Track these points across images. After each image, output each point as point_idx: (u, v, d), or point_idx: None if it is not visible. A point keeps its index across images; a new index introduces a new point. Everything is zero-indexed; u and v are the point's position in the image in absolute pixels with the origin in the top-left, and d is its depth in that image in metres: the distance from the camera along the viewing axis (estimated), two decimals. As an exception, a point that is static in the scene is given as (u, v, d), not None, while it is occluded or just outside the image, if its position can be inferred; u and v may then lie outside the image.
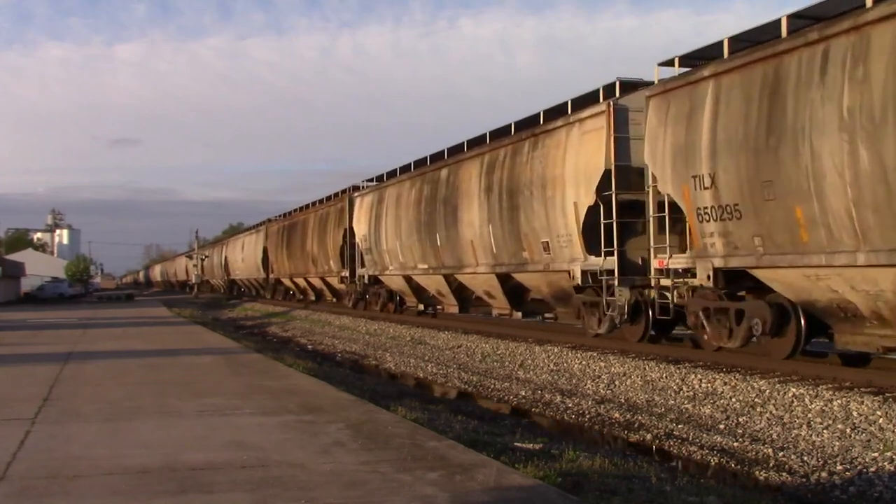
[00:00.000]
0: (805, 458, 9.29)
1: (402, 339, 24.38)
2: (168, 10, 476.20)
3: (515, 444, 8.64)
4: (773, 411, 11.08)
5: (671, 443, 10.66)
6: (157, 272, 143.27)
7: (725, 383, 12.54)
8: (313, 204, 43.28)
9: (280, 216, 51.93)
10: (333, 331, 30.29)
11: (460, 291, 24.47)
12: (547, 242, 18.01)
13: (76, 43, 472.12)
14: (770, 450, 9.75)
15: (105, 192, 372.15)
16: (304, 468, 6.59)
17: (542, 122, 19.28)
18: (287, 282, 49.19)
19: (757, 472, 9.06)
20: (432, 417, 10.03)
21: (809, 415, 10.63)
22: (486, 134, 22.67)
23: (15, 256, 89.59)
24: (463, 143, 24.13)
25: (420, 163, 27.60)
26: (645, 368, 14.39)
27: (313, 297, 44.43)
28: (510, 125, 21.10)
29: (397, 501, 5.61)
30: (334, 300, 40.74)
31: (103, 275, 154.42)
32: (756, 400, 11.62)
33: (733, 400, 11.91)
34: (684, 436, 10.87)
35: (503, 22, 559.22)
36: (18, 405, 10.32)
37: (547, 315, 21.68)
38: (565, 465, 7.30)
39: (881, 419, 9.84)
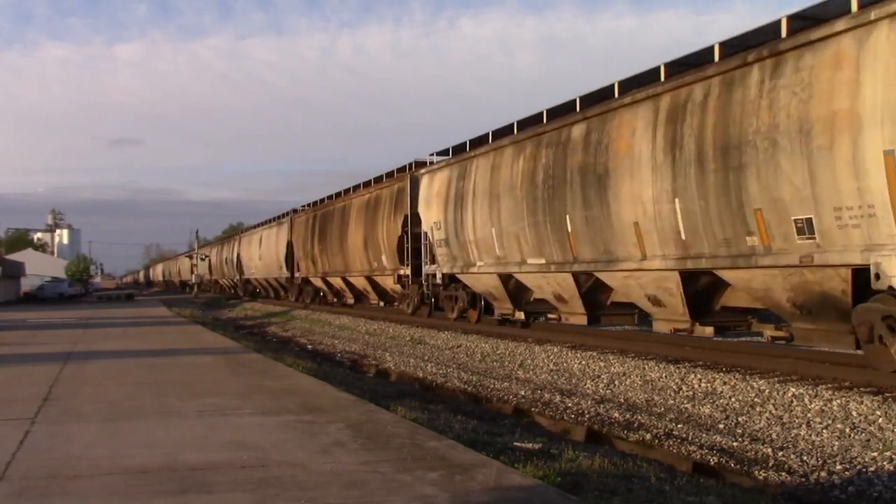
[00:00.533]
0: (804, 458, 9.29)
1: (402, 339, 24.38)
2: (168, 11, 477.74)
3: (515, 443, 8.64)
4: (773, 411, 11.09)
5: (671, 442, 10.66)
6: (158, 272, 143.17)
7: (725, 383, 12.55)
8: (356, 188, 35.48)
9: (308, 205, 44.10)
10: (333, 331, 30.29)
11: (593, 295, 17.97)
12: (809, 220, 11.75)
13: (76, 43, 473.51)
14: (769, 449, 9.75)
15: (105, 192, 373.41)
16: (304, 468, 6.59)
17: (785, 33, 12.45)
18: (317, 282, 41.52)
19: (756, 472, 9.07)
20: (432, 417, 10.04)
21: (809, 414, 10.63)
22: (658, 67, 15.25)
23: (15, 256, 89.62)
24: (612, 84, 16.66)
25: (531, 121, 19.93)
26: (644, 368, 14.39)
27: (351, 301, 37.66)
28: (711, 47, 14.04)
29: (397, 501, 5.62)
30: (381, 304, 34.01)
31: (103, 275, 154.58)
32: (755, 400, 11.62)
33: (733, 400, 11.91)
34: (684, 435, 10.87)
35: (503, 22, 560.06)
36: (18, 405, 10.32)
37: (775, 335, 13.57)
38: (565, 465, 7.31)
39: (881, 419, 9.85)
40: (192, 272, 77.94)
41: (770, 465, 9.29)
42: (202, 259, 77.68)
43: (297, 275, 44.90)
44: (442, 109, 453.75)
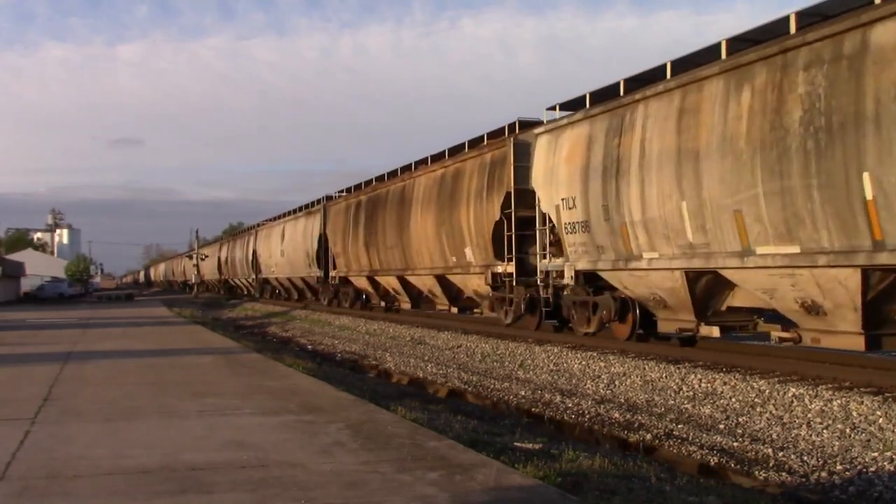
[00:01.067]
0: (805, 458, 9.29)
1: (402, 339, 24.37)
2: (169, 11, 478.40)
3: (515, 443, 8.64)
4: (773, 411, 11.09)
5: (671, 443, 10.66)
6: (160, 271, 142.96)
7: (725, 383, 12.54)
8: (421, 163, 28.22)
9: (348, 190, 37.32)
10: (333, 331, 30.28)
11: (883, 303, 11.60)
12: None
13: (77, 43, 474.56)
14: (770, 450, 9.76)
15: (105, 192, 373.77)
16: (304, 468, 6.59)
17: None
18: (361, 282, 34.46)
19: (757, 472, 9.07)
20: (432, 417, 10.03)
21: (809, 415, 10.63)
22: None
23: (15, 256, 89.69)
24: None
25: (755, 35, 13.38)
26: (644, 368, 14.38)
27: (407, 305, 30.23)
28: None
29: (397, 501, 5.61)
30: (453, 311, 26.73)
31: (103, 275, 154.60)
32: (756, 400, 11.62)
33: (733, 400, 11.91)
34: (684, 436, 10.87)
35: (503, 22, 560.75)
36: (18, 405, 10.32)
37: None
38: (565, 465, 7.30)
39: (881, 419, 9.85)
40: (198, 271, 77.39)
41: (770, 465, 9.29)
42: (202, 259, 77.57)
43: (332, 273, 37.43)
44: (442, 109, 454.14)
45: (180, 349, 18.76)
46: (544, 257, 18.99)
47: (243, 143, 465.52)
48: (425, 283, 27.01)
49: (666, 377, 13.64)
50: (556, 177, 17.87)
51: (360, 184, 35.50)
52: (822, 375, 12.28)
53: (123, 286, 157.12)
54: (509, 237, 20.54)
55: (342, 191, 38.64)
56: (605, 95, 16.96)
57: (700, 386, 12.80)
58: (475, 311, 25.94)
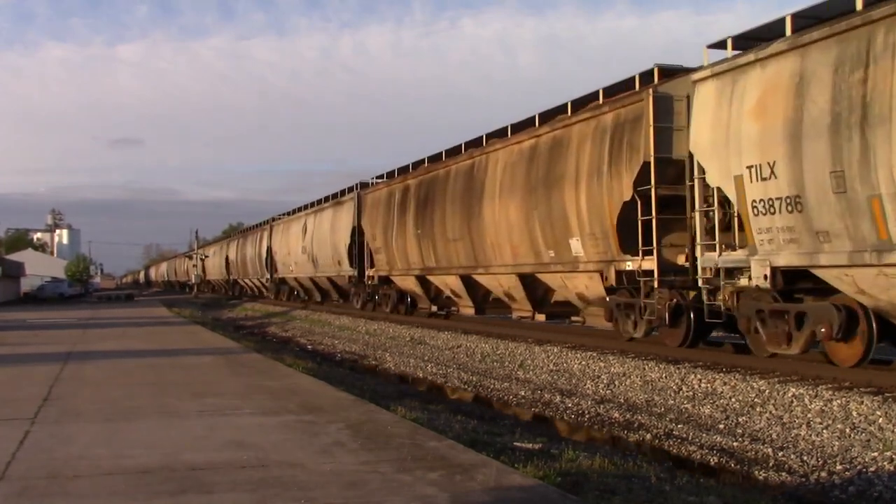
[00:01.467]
0: (805, 458, 9.29)
1: (402, 339, 24.36)
2: (169, 11, 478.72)
3: (515, 443, 8.64)
4: (773, 411, 11.09)
5: (671, 443, 10.67)
6: (162, 271, 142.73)
7: (725, 383, 12.54)
8: (497, 133, 22.56)
9: (390, 174, 31.25)
10: (333, 331, 30.28)
11: None
12: None
13: (77, 43, 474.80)
14: (770, 450, 9.76)
15: (106, 192, 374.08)
16: (304, 468, 6.59)
17: None
18: (406, 283, 28.48)
19: (757, 472, 9.07)
20: (432, 417, 10.04)
21: (809, 415, 10.63)
22: None
23: (15, 256, 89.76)
24: None
25: None
26: (644, 368, 14.38)
27: (470, 310, 24.72)
28: None
29: (397, 501, 5.61)
30: (539, 318, 21.23)
31: (103, 275, 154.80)
32: (756, 400, 11.62)
33: (733, 400, 11.91)
34: (684, 436, 10.87)
35: (504, 22, 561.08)
36: (18, 405, 10.32)
37: None
38: (565, 465, 7.31)
39: (881, 419, 9.85)
40: (198, 271, 77.13)
41: (770, 465, 9.29)
42: (203, 259, 77.51)
43: (369, 273, 32.09)
44: (442, 109, 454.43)
45: (180, 349, 18.76)
46: (710, 249, 14.11)
47: (243, 143, 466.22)
48: (502, 283, 21.41)
49: (666, 377, 13.64)
50: (735, 137, 13.05)
51: (408, 165, 29.58)
52: (822, 375, 12.28)
53: (123, 286, 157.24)
54: (646, 223, 15.29)
55: (380, 176, 32.90)
56: (818, 18, 12.09)
57: (700, 386, 12.81)
58: (573, 319, 20.64)
